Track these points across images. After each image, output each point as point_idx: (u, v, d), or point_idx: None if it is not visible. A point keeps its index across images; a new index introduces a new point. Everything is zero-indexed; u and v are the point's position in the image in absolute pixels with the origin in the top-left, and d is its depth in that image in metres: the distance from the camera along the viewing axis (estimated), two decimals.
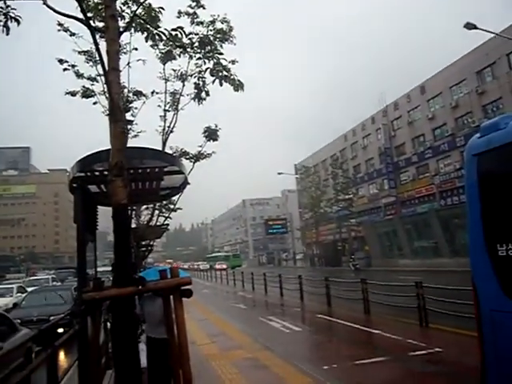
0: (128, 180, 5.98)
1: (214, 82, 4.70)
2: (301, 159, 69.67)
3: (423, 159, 43.50)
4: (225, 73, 4.54)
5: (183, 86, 10.34)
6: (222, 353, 9.15)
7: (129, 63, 10.03)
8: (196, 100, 8.39)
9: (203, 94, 8.07)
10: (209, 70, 4.65)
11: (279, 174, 56.89)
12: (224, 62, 5.37)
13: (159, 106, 11.63)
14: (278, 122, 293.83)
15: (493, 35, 27.41)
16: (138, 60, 9.91)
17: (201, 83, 7.35)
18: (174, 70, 10.85)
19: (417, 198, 44.04)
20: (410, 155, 45.54)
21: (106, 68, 3.14)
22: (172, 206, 15.78)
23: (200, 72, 7.52)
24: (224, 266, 59.98)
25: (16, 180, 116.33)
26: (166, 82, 11.32)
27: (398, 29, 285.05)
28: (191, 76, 8.88)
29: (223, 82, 4.64)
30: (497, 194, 4.35)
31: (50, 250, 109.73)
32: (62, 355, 8.04)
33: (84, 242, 6.36)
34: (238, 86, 4.67)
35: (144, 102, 11.50)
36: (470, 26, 22.22)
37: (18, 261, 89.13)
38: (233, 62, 9.01)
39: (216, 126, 11.25)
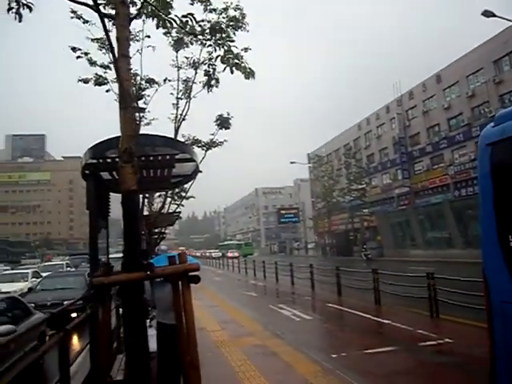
0: (138, 166, 6.03)
1: (224, 69, 4.68)
2: (314, 148, 69.40)
3: (438, 149, 43.01)
4: (235, 60, 4.50)
5: (195, 73, 10.34)
6: (231, 339, 9.22)
7: (141, 50, 10.07)
8: (206, 87, 8.37)
9: (213, 82, 8.06)
10: (219, 57, 4.61)
11: (292, 162, 56.73)
12: (235, 50, 5.33)
13: (172, 93, 11.66)
14: (292, 111, 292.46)
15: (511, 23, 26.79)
16: (148, 46, 9.90)
17: (211, 70, 7.31)
18: (187, 58, 10.85)
19: (430, 189, 43.63)
20: (425, 145, 45.04)
21: (116, 55, 3.15)
22: (184, 194, 15.88)
23: (210, 59, 7.49)
24: (236, 254, 60.30)
25: (31, 167, 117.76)
26: (178, 70, 11.34)
27: (417, 16, 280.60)
28: (203, 63, 8.85)
29: (234, 69, 4.61)
30: (510, 185, 4.29)
31: (65, 237, 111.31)
32: (75, 339, 8.19)
33: (96, 229, 6.43)
34: (249, 73, 4.63)
35: (156, 90, 11.54)
36: (488, 14, 21.79)
37: (33, 247, 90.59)
38: (246, 49, 8.96)
39: (228, 115, 11.25)
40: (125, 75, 3.14)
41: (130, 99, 3.11)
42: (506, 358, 4.12)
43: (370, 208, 50.14)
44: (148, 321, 6.82)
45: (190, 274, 3.00)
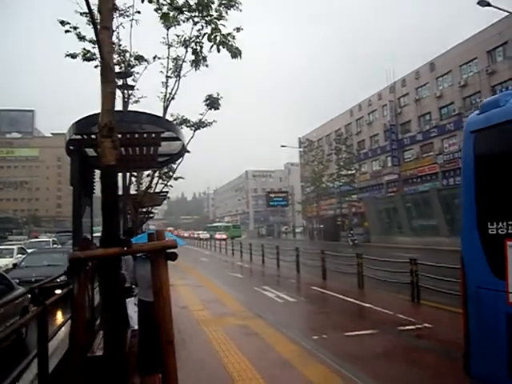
0: (121, 143, 5.98)
1: (211, 47, 4.61)
2: (306, 133, 69.31)
3: (428, 138, 43.22)
4: (222, 38, 4.43)
5: (186, 52, 10.21)
6: (214, 319, 9.29)
7: (130, 26, 9.89)
8: (193, 66, 8.27)
9: (200, 60, 7.95)
10: (206, 35, 4.53)
11: (282, 146, 56.70)
12: (226, 29, 5.24)
13: (161, 71, 11.51)
14: (284, 95, 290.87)
15: (506, 13, 26.73)
16: (131, 20, 9.72)
17: (198, 48, 7.21)
18: (178, 36, 10.68)
19: (419, 177, 43.97)
20: (415, 133, 45.24)
21: (98, 27, 3.09)
22: (172, 174, 15.81)
23: (198, 37, 7.39)
24: (224, 236, 60.46)
25: (19, 143, 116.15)
26: (168, 48, 11.17)
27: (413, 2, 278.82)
28: (192, 41, 8.70)
29: (220, 48, 4.54)
30: (492, 172, 4.33)
31: (53, 214, 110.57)
32: (59, 315, 8.21)
33: (80, 205, 6.41)
34: (236, 53, 4.57)
35: (146, 68, 11.38)
36: (483, 3, 21.67)
37: (21, 223, 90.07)
38: (238, 29, 8.83)
39: (218, 95, 11.15)
40: (107, 48, 3.08)
41: (111, 73, 3.06)
42: (480, 341, 4.21)
43: (358, 194, 50.46)
44: (133, 299, 6.85)
45: (168, 251, 3.00)
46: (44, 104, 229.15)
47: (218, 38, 4.61)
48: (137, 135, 6.30)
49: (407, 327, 8.23)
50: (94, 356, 4.89)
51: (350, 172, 49.58)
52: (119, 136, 6.24)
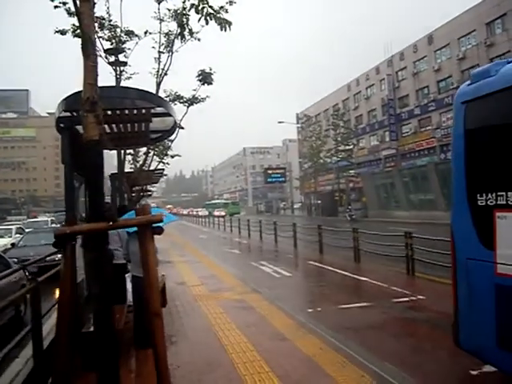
0: (103, 116, 5.91)
1: (199, 20, 4.52)
2: (303, 108, 68.84)
3: (426, 112, 42.97)
4: (210, 10, 4.33)
5: (178, 26, 10.03)
6: (210, 294, 9.38)
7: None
8: (180, 38, 8.12)
9: (186, 33, 7.81)
10: (194, 6, 4.43)
11: (280, 122, 56.21)
12: (216, 1, 5.13)
13: (153, 47, 11.33)
14: (285, 69, 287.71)
15: None
16: None
17: (184, 20, 7.07)
18: (169, 10, 10.48)
19: (417, 151, 43.88)
20: (413, 107, 44.98)
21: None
22: (166, 152, 15.76)
23: (184, 9, 7.23)
24: (222, 213, 60.65)
25: (15, 123, 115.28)
26: (160, 23, 10.97)
27: None
28: (179, 14, 8.53)
29: (208, 19, 4.45)
30: (482, 142, 4.31)
31: (51, 194, 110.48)
32: (56, 293, 8.26)
33: (72, 184, 6.37)
34: (224, 24, 4.48)
35: (137, 43, 11.20)
36: None
37: (19, 203, 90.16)
38: (230, 2, 8.68)
39: (210, 70, 11.01)
40: (87, 21, 3.02)
41: (92, 46, 3.00)
42: (469, 311, 4.26)
43: (356, 169, 50.42)
44: (127, 275, 6.92)
45: (154, 225, 3.00)
46: (39, 84, 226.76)
47: (205, 10, 4.51)
48: (127, 111, 6.22)
49: (401, 299, 8.34)
50: (86, 332, 4.96)
51: (347, 147, 49.39)
52: (109, 113, 6.24)
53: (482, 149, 4.29)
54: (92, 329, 4.67)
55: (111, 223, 2.89)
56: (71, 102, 5.76)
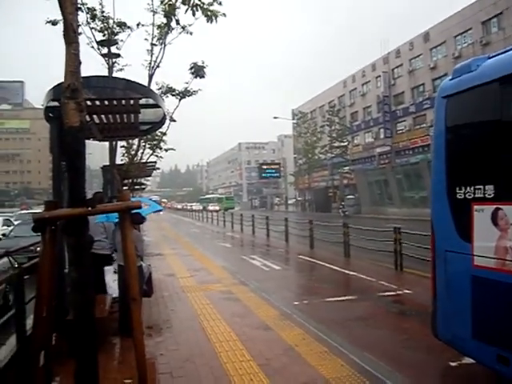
0: (91, 106, 5.94)
1: (186, 11, 4.54)
2: (299, 104, 68.79)
3: (421, 109, 43.04)
4: (197, 1, 4.35)
5: (164, 16, 9.99)
6: (198, 285, 9.44)
7: None
8: (167, 29, 8.11)
9: (173, 24, 7.80)
10: None
11: (275, 118, 56.23)
12: None
13: (146, 39, 11.29)
14: (280, 65, 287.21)
15: None
16: None
17: (170, 10, 7.08)
18: (162, 2, 10.44)
19: (411, 149, 43.97)
20: (409, 105, 45.03)
21: None
22: (162, 145, 15.74)
23: None
24: (216, 208, 60.67)
25: (9, 115, 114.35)
26: (153, 15, 10.91)
27: None
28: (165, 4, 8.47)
29: (195, 10, 4.47)
30: (461, 136, 4.39)
31: (45, 186, 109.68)
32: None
33: (60, 172, 6.40)
34: (211, 16, 4.51)
35: (129, 35, 11.16)
36: None
37: (13, 195, 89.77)
38: None
39: (203, 63, 11.00)
40: (69, 9, 3.05)
41: (73, 34, 3.03)
42: (446, 303, 4.34)
43: (350, 166, 50.48)
44: (112, 267, 6.97)
45: (133, 211, 3.05)
46: (33, 75, 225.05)
47: (191, 1, 4.54)
48: (115, 102, 6.25)
49: (387, 293, 8.44)
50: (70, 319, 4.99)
51: (342, 144, 49.43)
52: (97, 103, 6.26)
53: (462, 142, 4.36)
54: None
55: (90, 209, 2.93)
56: (59, 92, 5.78)
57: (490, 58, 4.11)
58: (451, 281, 4.29)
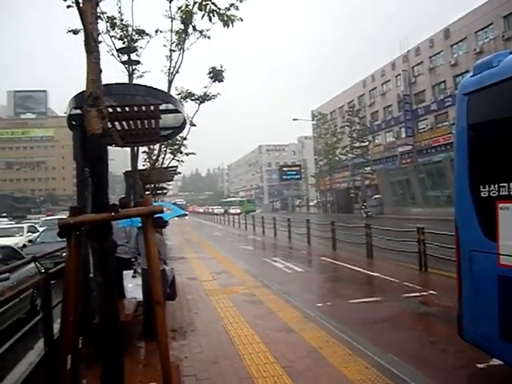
0: (112, 113, 6.03)
1: (203, 17, 4.58)
2: (319, 105, 68.49)
3: (443, 107, 42.35)
4: (213, 7, 4.39)
5: (181, 23, 10.10)
6: (221, 288, 9.48)
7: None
8: (184, 35, 8.18)
9: (190, 30, 7.86)
10: (197, 4, 4.50)
11: (294, 119, 56.22)
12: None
13: (165, 45, 11.44)
14: (299, 67, 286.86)
15: None
16: None
17: (188, 17, 7.15)
18: (179, 8, 10.56)
19: (433, 147, 43.32)
20: (430, 103, 44.36)
21: None
22: (183, 150, 15.89)
23: (187, 6, 7.30)
24: (238, 211, 60.86)
25: (34, 123, 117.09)
26: (172, 21, 11.06)
27: None
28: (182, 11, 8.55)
29: (211, 16, 4.51)
30: (484, 133, 4.31)
31: (70, 193, 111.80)
32: None
33: (83, 179, 6.53)
34: (227, 21, 4.54)
35: (148, 42, 11.32)
36: None
37: (39, 202, 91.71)
38: None
39: (221, 67, 11.07)
40: (89, 19, 3.12)
41: (93, 43, 3.10)
42: (472, 303, 4.27)
43: (372, 166, 49.99)
44: (131, 272, 7.08)
45: (155, 216, 3.10)
46: (56, 84, 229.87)
47: (208, 7, 4.58)
48: (136, 108, 6.34)
49: (412, 294, 8.32)
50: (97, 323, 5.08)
51: (363, 144, 48.99)
52: (118, 110, 6.36)
53: (485, 140, 4.28)
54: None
55: (113, 214, 2.99)
56: (81, 100, 5.90)
57: (511, 53, 4.03)
58: (477, 281, 4.21)
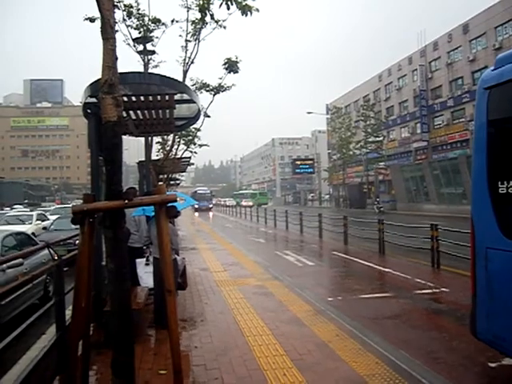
0: (127, 102, 6.02)
1: (220, 5, 4.54)
2: (334, 99, 68.03)
3: (460, 103, 41.80)
4: None
5: (199, 11, 10.04)
6: (232, 280, 9.49)
7: None
8: (202, 24, 8.13)
9: (208, 18, 7.82)
10: None
11: (308, 113, 55.99)
12: None
13: (180, 35, 11.42)
14: (315, 60, 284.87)
15: None
16: None
17: (205, 5, 7.10)
18: None
19: (449, 144, 42.82)
20: (446, 99, 43.76)
21: None
22: (197, 141, 15.91)
23: None
24: (250, 203, 60.89)
25: (50, 112, 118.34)
26: (188, 11, 11.02)
27: None
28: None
29: (229, 4, 4.47)
30: (504, 129, 4.23)
31: (84, 182, 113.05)
32: None
33: (98, 167, 6.56)
34: (245, 9, 4.50)
35: (164, 31, 11.30)
36: None
37: (53, 190, 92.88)
38: None
39: (236, 58, 11.03)
40: (106, 5, 3.10)
41: (110, 30, 3.08)
42: (487, 302, 4.20)
43: (386, 161, 49.59)
44: (144, 260, 7.10)
45: (169, 204, 3.08)
46: (72, 73, 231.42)
47: None
48: (151, 97, 6.34)
49: (423, 291, 8.26)
50: (107, 310, 5.11)
51: (377, 139, 48.58)
52: (133, 99, 6.36)
53: (505, 135, 4.19)
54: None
55: (127, 201, 2.98)
56: (96, 88, 5.92)
57: None
58: (492, 279, 4.14)
